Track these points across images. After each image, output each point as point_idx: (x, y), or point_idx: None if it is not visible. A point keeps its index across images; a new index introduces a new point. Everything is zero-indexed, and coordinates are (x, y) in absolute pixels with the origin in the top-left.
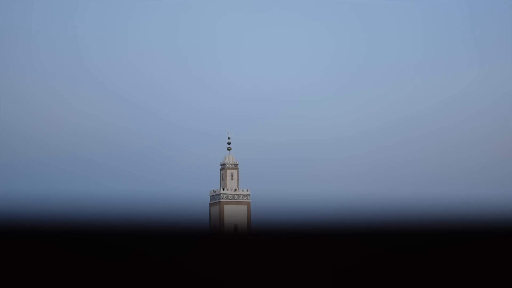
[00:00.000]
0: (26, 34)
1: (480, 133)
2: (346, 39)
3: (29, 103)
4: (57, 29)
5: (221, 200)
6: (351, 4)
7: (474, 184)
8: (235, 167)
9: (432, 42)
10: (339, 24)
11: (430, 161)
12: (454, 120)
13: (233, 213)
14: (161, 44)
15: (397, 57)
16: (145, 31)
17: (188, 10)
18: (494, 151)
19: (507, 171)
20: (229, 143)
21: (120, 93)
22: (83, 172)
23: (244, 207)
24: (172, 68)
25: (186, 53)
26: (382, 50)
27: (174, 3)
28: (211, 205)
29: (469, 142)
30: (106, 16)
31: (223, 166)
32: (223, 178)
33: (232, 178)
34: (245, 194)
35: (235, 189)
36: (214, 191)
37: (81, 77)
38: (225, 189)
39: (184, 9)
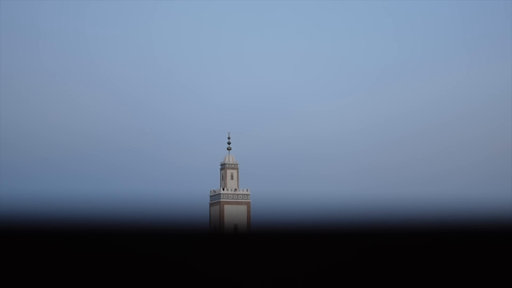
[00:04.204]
0: (34, 33)
1: (478, 131)
2: (344, 39)
3: (35, 102)
4: (65, 29)
5: (221, 200)
6: (349, 5)
7: (472, 183)
8: (235, 167)
9: (431, 40)
10: (338, 25)
11: (429, 160)
12: (452, 118)
13: (233, 213)
14: (164, 43)
15: (395, 56)
16: (148, 31)
17: (191, 10)
18: (492, 149)
19: (505, 169)
20: (229, 143)
21: (121, 92)
22: (83, 171)
23: (244, 207)
24: (174, 67)
25: (188, 53)
26: (381, 49)
27: (178, 4)
28: (211, 205)
29: (468, 140)
30: (112, 16)
31: (223, 166)
32: (223, 178)
33: (232, 178)
34: (245, 194)
35: (235, 189)
36: (214, 191)
37: (83, 75)
38: (225, 189)
39: (187, 10)
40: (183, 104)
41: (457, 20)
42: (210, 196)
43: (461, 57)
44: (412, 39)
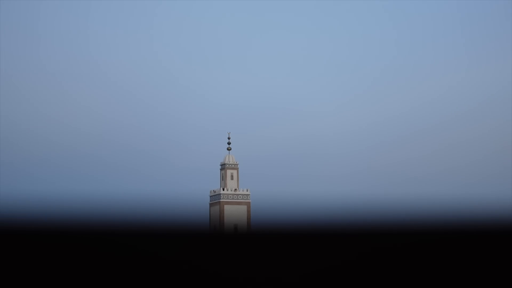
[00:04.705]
0: (35, 32)
1: (477, 131)
2: (344, 39)
3: (36, 101)
4: (66, 28)
5: (221, 200)
6: (349, 6)
7: (472, 183)
8: (235, 167)
9: (431, 40)
10: (337, 25)
11: (429, 159)
12: (452, 117)
13: (233, 213)
14: (164, 43)
15: (395, 56)
16: (149, 30)
17: (191, 10)
18: (492, 148)
19: (505, 169)
20: (229, 143)
21: (121, 92)
22: (83, 170)
23: (244, 207)
24: (174, 67)
25: (188, 53)
26: (380, 49)
27: (179, 4)
28: (211, 205)
29: (467, 139)
30: (112, 15)
31: (223, 166)
32: (223, 178)
33: (232, 178)
34: (245, 194)
35: (235, 189)
36: (214, 191)
37: (84, 74)
38: (225, 189)
39: (188, 10)
40: (183, 104)
41: (456, 20)
42: (210, 196)
43: (460, 57)
44: (412, 38)
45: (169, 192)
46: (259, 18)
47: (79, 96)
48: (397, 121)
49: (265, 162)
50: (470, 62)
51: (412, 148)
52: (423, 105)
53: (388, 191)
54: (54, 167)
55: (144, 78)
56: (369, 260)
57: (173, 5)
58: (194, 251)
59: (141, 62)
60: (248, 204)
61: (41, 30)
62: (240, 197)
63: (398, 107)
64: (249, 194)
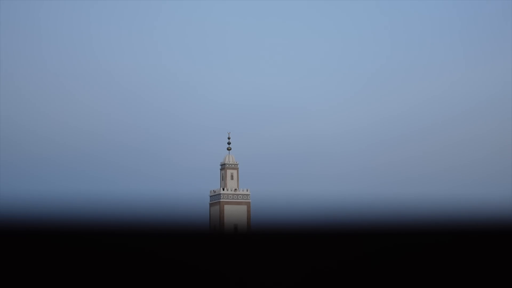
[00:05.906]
0: (36, 32)
1: (477, 130)
2: (343, 37)
3: (37, 101)
4: (67, 28)
5: (221, 200)
6: (349, 6)
7: (471, 183)
8: (235, 167)
9: (432, 39)
10: (336, 24)
11: (426, 159)
12: (451, 117)
13: (233, 213)
14: (165, 42)
15: (395, 55)
16: (150, 30)
17: (193, 10)
18: (491, 148)
19: (505, 168)
20: (229, 143)
21: (121, 90)
22: (82, 169)
23: (244, 207)
24: (174, 66)
25: (188, 52)
26: (379, 47)
27: (181, 3)
28: (211, 205)
29: (467, 139)
30: (114, 15)
31: (223, 166)
32: (223, 178)
33: (232, 178)
34: (245, 194)
35: (235, 189)
36: (214, 191)
37: (85, 74)
38: (225, 189)
39: (190, 9)
40: (183, 104)
41: (454, 20)
42: (210, 196)
43: (460, 56)
44: (412, 38)
45: (169, 192)
46: (259, 19)
47: (80, 95)
48: (397, 120)
49: (265, 162)
50: (469, 61)
51: (412, 147)
52: (423, 104)
53: (387, 190)
54: (54, 167)
55: (144, 78)
56: (370, 260)
57: (173, 5)
58: (194, 251)
59: (141, 62)
60: (248, 204)
61: (42, 29)
62: (240, 197)
63: (398, 106)
64: (249, 194)
